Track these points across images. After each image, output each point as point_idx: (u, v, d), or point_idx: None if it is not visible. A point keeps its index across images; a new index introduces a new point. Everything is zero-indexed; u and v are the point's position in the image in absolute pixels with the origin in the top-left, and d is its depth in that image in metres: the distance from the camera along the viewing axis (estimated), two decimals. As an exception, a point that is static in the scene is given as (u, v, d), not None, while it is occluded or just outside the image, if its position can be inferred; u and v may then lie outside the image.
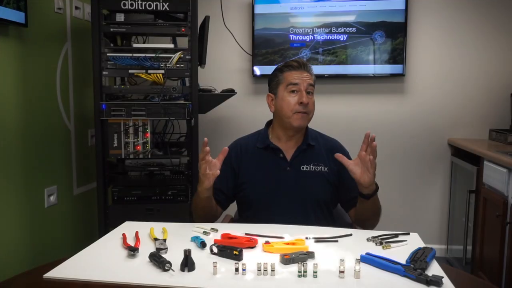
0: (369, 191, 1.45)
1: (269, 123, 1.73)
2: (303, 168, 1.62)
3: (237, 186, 1.65)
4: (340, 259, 1.05)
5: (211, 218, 1.57)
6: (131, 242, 1.26)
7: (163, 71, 2.24)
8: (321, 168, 1.62)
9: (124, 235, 1.29)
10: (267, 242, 1.22)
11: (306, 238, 1.28)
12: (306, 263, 1.05)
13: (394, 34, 2.91)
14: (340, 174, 1.63)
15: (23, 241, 2.15)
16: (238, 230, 1.34)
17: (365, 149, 1.41)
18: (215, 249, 1.17)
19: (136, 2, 2.21)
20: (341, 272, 1.04)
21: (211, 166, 1.39)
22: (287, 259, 1.11)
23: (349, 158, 1.66)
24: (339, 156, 1.45)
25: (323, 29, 2.95)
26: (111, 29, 2.23)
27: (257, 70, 3.02)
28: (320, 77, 3.02)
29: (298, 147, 1.64)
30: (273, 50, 3.00)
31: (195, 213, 1.59)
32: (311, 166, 1.62)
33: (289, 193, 1.59)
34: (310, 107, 1.59)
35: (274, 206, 1.59)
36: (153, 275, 1.05)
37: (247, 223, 1.48)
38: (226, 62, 3.11)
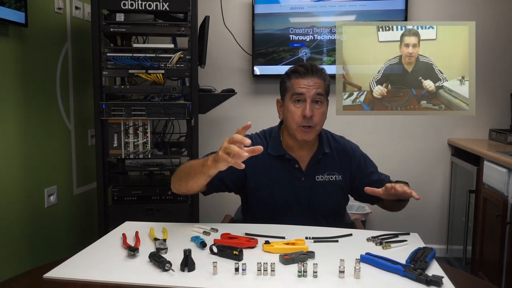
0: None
1: (281, 124, 1.61)
2: (318, 178, 1.55)
3: (249, 192, 1.58)
4: (340, 259, 1.05)
5: (189, 192, 1.44)
6: (131, 242, 1.26)
7: (163, 71, 2.24)
8: (335, 177, 1.57)
9: (124, 235, 1.29)
10: (267, 242, 1.22)
11: (306, 238, 1.28)
12: (306, 263, 1.05)
13: (394, 34, 2.91)
14: (356, 178, 1.60)
15: (23, 241, 2.14)
16: (238, 230, 1.34)
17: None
18: (215, 249, 1.17)
19: (136, 2, 2.21)
20: (341, 272, 1.04)
21: (238, 156, 1.14)
22: (287, 259, 1.11)
23: (359, 154, 1.65)
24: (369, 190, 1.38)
25: (323, 29, 2.95)
26: (111, 29, 2.23)
27: (257, 70, 3.02)
28: (320, 77, 3.02)
29: (313, 156, 1.55)
30: (273, 50, 3.00)
31: (179, 180, 1.40)
32: (326, 176, 1.56)
33: (303, 204, 1.55)
34: (315, 119, 1.46)
35: (287, 216, 1.53)
36: (153, 275, 1.05)
37: (247, 223, 1.48)
38: (226, 62, 3.10)
